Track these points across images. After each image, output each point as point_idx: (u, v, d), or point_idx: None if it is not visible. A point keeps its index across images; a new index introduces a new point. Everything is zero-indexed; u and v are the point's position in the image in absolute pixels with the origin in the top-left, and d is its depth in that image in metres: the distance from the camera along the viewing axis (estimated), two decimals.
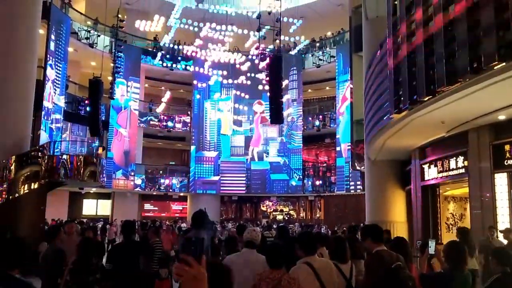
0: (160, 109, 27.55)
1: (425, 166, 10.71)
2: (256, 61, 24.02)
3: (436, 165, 10.12)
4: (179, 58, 28.05)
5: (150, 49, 27.75)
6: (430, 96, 6.84)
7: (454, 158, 9.31)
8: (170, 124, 27.73)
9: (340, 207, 25.46)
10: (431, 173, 10.39)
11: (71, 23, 22.70)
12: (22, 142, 13.21)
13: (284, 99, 18.41)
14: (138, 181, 26.33)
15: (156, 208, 28.98)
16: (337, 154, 25.21)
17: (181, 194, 28.32)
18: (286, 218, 27.99)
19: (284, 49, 25.62)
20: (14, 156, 12.68)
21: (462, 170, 9.00)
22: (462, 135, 8.75)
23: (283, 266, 3.72)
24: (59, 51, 21.05)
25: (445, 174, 9.73)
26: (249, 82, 26.44)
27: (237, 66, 26.43)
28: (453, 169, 9.39)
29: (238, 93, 27.26)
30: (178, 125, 28.13)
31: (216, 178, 27.31)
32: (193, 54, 26.72)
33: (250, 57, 25.96)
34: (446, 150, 9.66)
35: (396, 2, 8.64)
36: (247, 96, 27.00)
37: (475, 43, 5.69)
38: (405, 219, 12.57)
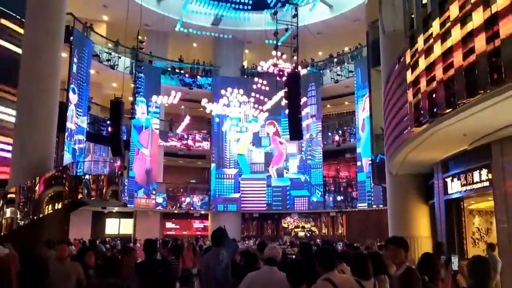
0: (180, 130, 27.75)
1: (448, 180, 10.52)
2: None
3: (459, 179, 9.93)
4: (199, 77, 28.49)
5: (170, 69, 28.20)
6: (451, 109, 6.77)
7: (478, 171, 9.13)
8: (190, 142, 27.97)
9: (363, 223, 25.12)
10: (455, 187, 10.20)
11: (92, 45, 23.27)
12: (46, 163, 13.48)
13: (303, 114, 18.43)
14: (160, 200, 26.51)
15: (178, 227, 29.06)
16: (358, 169, 24.99)
17: (202, 212, 28.37)
18: (308, 234, 27.75)
19: (302, 66, 25.69)
20: (38, 177, 12.94)
21: (487, 183, 8.81)
22: (485, 147, 8.58)
23: (304, 284, 3.68)
24: (81, 74, 21.54)
25: (469, 187, 9.54)
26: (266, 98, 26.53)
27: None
28: (477, 182, 9.20)
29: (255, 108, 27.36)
30: (198, 143, 28.36)
31: (237, 195, 27.33)
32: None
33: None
34: (469, 163, 9.49)
35: (413, 16, 8.63)
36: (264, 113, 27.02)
37: (495, 54, 5.63)
38: (429, 234, 12.33)
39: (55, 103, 14.47)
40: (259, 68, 24.28)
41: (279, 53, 18.58)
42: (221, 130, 27.97)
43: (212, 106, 26.49)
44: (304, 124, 20.87)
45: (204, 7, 26.47)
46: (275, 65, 20.06)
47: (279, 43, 17.68)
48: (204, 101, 26.29)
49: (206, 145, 28.45)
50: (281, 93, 21.13)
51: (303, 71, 22.17)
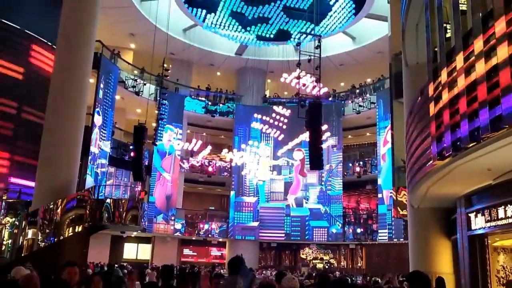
0: (200, 157, 27.78)
1: (472, 215, 10.28)
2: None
3: (483, 214, 9.70)
4: (221, 105, 28.88)
5: (193, 97, 28.64)
6: (474, 143, 6.69)
7: (503, 207, 8.91)
8: (210, 169, 28.08)
9: (383, 256, 24.60)
10: (478, 223, 9.95)
11: (119, 72, 23.85)
12: (69, 186, 13.70)
13: (324, 144, 18.34)
14: (178, 226, 26.50)
15: (195, 253, 28.93)
16: (378, 201, 24.63)
17: (220, 239, 28.22)
18: (327, 266, 27.26)
19: (324, 96, 25.77)
20: (60, 200, 13.13)
21: None
22: (510, 182, 8.39)
23: None
24: (107, 99, 22.03)
25: (493, 223, 9.29)
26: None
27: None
28: (501, 219, 8.96)
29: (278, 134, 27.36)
30: (219, 170, 28.47)
31: (255, 224, 27.14)
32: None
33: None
34: (493, 199, 9.27)
35: (436, 49, 8.64)
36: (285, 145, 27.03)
37: None
38: (451, 270, 11.98)
39: (81, 127, 14.79)
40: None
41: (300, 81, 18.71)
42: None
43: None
44: (324, 146, 20.28)
45: (228, 37, 26.94)
46: (296, 94, 20.16)
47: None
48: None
49: (226, 166, 28.49)
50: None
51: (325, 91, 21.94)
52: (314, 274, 17.76)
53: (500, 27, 5.91)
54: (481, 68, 6.38)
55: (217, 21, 25.29)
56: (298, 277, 15.89)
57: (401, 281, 12.82)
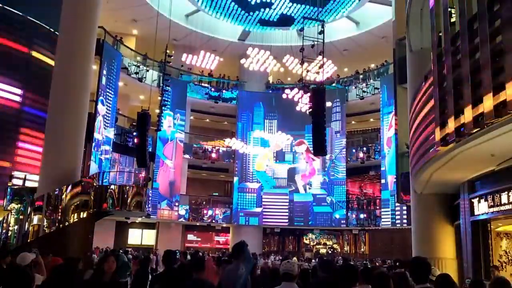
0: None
1: (475, 201, 10.29)
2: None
3: (486, 200, 9.71)
4: (224, 91, 28.79)
5: (196, 83, 28.54)
6: (478, 129, 6.66)
7: (506, 192, 8.92)
8: (214, 155, 28.08)
9: (386, 242, 24.70)
10: (481, 208, 9.97)
11: (122, 58, 23.77)
12: (73, 172, 13.77)
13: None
14: (182, 212, 26.64)
15: (199, 239, 29.12)
16: (382, 187, 24.66)
17: (224, 225, 28.37)
18: (330, 252, 27.42)
19: (327, 82, 25.63)
20: (65, 186, 13.21)
21: None
22: None
23: None
24: (110, 85, 21.99)
25: (496, 209, 9.31)
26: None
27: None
28: (505, 204, 8.98)
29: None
30: (222, 157, 28.46)
31: (259, 209, 27.24)
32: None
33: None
34: (496, 184, 9.28)
35: (441, 34, 8.57)
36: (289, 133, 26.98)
37: None
38: (454, 255, 12.04)
39: (84, 114, 14.81)
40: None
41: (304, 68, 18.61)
42: (244, 143, 28.03)
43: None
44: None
45: (231, 23, 26.76)
46: (300, 80, 20.09)
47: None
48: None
49: (229, 158, 28.51)
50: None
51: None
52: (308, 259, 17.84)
53: (506, 12, 5.85)
54: (486, 52, 6.32)
55: (219, 6, 25.07)
56: (302, 262, 16.00)
57: (395, 266, 12.79)
